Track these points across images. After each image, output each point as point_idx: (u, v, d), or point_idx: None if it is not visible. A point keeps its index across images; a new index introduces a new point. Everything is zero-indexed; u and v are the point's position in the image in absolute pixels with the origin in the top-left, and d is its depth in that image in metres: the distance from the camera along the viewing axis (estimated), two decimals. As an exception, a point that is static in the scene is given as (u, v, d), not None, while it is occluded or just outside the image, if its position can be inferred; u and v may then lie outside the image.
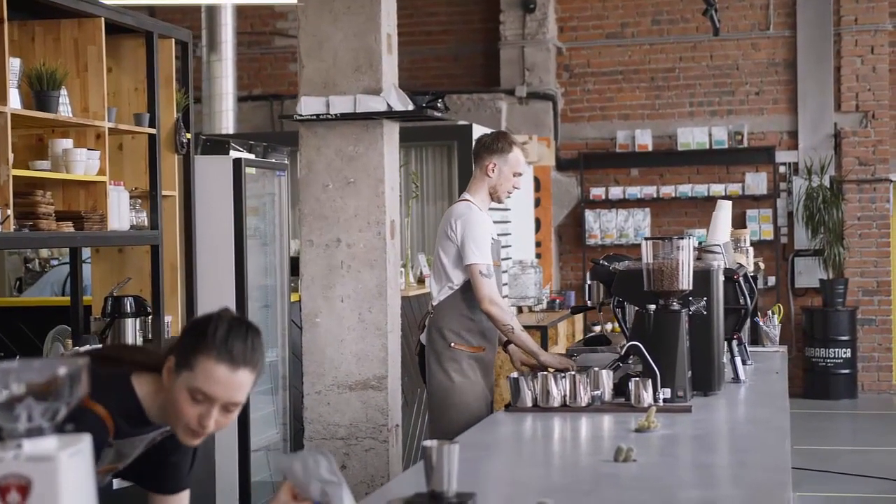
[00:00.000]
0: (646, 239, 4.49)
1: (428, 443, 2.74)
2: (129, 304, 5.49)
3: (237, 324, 2.63)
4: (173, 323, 5.95)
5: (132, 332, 5.48)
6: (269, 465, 6.87)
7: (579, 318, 11.38)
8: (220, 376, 2.55)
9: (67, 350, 5.45)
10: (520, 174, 5.41)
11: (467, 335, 5.26)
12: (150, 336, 5.66)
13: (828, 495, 8.20)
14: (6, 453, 1.72)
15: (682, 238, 4.45)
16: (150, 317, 5.65)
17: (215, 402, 2.56)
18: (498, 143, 5.38)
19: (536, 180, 12.50)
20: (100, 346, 5.12)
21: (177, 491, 2.93)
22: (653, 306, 4.43)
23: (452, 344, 5.25)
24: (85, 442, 1.79)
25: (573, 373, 4.36)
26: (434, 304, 5.36)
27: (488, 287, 5.12)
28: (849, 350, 12.33)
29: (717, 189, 12.67)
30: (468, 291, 5.21)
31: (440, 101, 6.18)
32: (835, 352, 12.30)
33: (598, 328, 12.28)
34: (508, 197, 5.50)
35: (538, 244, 12.53)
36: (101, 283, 5.81)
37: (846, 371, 12.34)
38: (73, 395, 1.77)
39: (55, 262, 9.05)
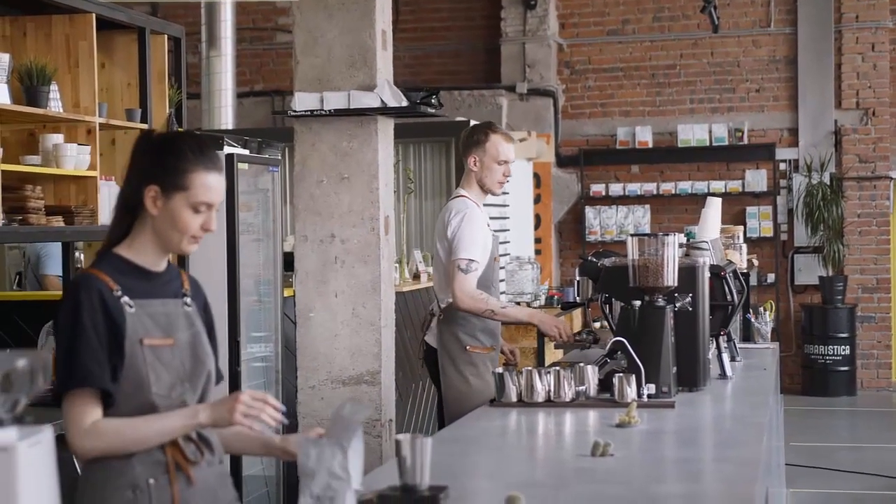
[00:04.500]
0: (631, 235, 4.51)
1: (400, 437, 2.77)
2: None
3: (192, 136, 2.91)
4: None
5: (123, 325, 5.49)
6: (261, 460, 6.89)
7: (578, 313, 11.39)
8: (214, 182, 2.83)
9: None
10: (504, 162, 5.33)
11: (481, 336, 5.25)
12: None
13: (823, 492, 8.21)
14: (-35, 444, 1.75)
15: (668, 235, 4.46)
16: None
17: (213, 207, 2.84)
18: (473, 135, 5.36)
19: (537, 177, 12.52)
20: None
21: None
22: (638, 302, 4.44)
23: (468, 347, 5.23)
24: (45, 433, 1.82)
25: (558, 368, 4.37)
26: (443, 305, 5.29)
27: (459, 283, 5.11)
28: (848, 347, 12.33)
29: (718, 186, 12.68)
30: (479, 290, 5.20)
31: (434, 97, 6.19)
32: (834, 349, 12.31)
33: (598, 324, 12.29)
34: (502, 186, 5.42)
35: (538, 240, 12.55)
36: (92, 277, 5.84)
37: (845, 368, 12.35)
38: (33, 386, 1.79)
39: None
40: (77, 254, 6.25)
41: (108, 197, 5.34)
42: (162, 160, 2.82)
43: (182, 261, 6.13)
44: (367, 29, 5.92)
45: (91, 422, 2.74)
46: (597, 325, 12.32)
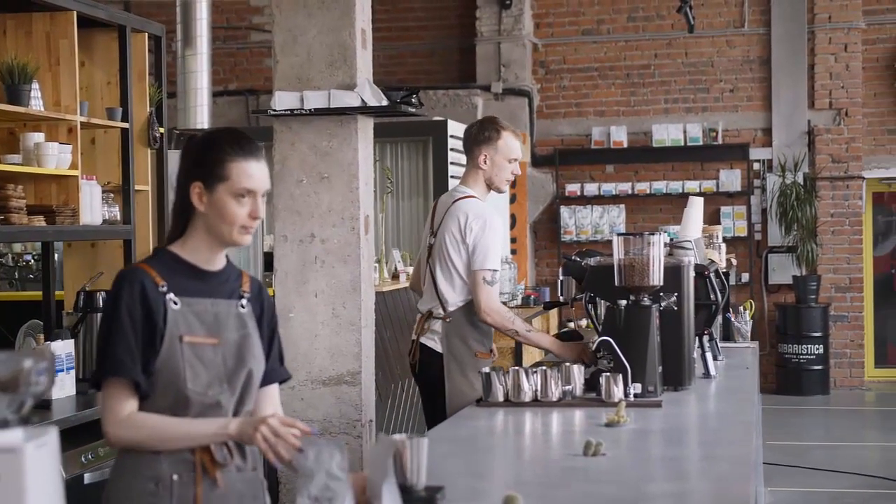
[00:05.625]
0: (617, 234, 4.50)
1: (397, 437, 2.76)
2: (101, 299, 5.46)
3: (230, 130, 3.01)
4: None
5: (104, 326, 5.45)
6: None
7: (554, 313, 11.42)
8: (253, 170, 2.89)
9: (39, 345, 5.43)
10: (514, 159, 5.12)
11: (485, 340, 5.10)
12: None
13: (799, 490, 8.25)
14: (-29, 446, 1.72)
15: (654, 234, 4.46)
16: (122, 311, 5.62)
17: (256, 194, 2.89)
18: (484, 132, 5.12)
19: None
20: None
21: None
22: (624, 302, 4.44)
23: (478, 353, 5.07)
24: (51, 434, 1.80)
25: (544, 368, 4.36)
26: (451, 308, 5.07)
27: (487, 295, 4.92)
28: (821, 346, 12.40)
29: (692, 186, 12.73)
30: None
31: (414, 96, 6.18)
32: (807, 348, 12.38)
33: (571, 324, 12.33)
34: (509, 184, 5.25)
35: (513, 240, 12.56)
36: (72, 277, 5.80)
37: (818, 367, 12.42)
38: (39, 387, 1.77)
39: (28, 258, 9.02)
40: (56, 256, 6.20)
41: (89, 196, 5.30)
42: (201, 157, 2.91)
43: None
44: (347, 28, 5.91)
45: (127, 413, 2.80)
46: (571, 324, 12.33)
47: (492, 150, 5.10)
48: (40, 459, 1.76)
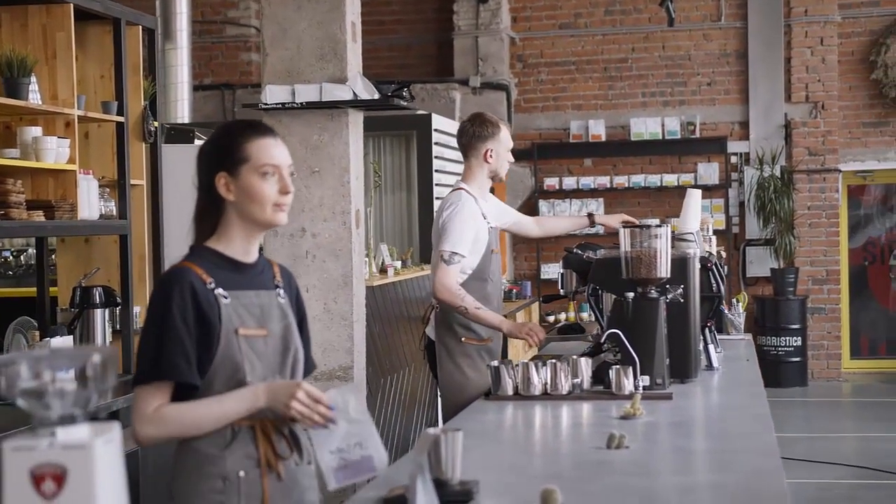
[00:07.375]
0: (624, 227, 4.50)
1: (432, 430, 2.74)
2: (97, 295, 5.41)
3: (237, 120, 3.05)
4: (142, 313, 5.88)
5: (101, 322, 5.41)
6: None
7: (535, 307, 11.43)
8: (271, 146, 2.89)
9: (32, 342, 5.37)
10: (510, 148, 5.43)
11: (477, 327, 5.18)
12: (118, 327, 5.59)
13: (787, 482, 8.27)
14: (40, 442, 1.70)
15: (661, 226, 4.46)
16: (118, 307, 5.57)
17: (281, 170, 2.87)
18: (487, 128, 5.32)
19: (490, 170, 12.49)
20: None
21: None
22: (631, 294, 4.44)
23: (463, 339, 5.18)
24: (115, 430, 1.77)
25: (554, 361, 4.35)
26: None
27: (441, 273, 5.05)
28: (799, 338, 12.47)
29: (670, 179, 12.76)
30: (474, 282, 5.15)
31: (405, 90, 6.16)
32: (785, 340, 12.44)
33: (551, 318, 12.33)
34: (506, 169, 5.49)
35: (492, 234, 12.54)
36: (66, 273, 5.73)
37: (797, 359, 12.49)
38: (105, 382, 1.75)
39: (7, 253, 8.93)
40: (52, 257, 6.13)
41: (86, 190, 5.23)
42: (219, 148, 2.90)
43: (157, 257, 6.05)
44: (337, 21, 5.89)
45: (153, 409, 2.76)
46: (550, 318, 12.31)
47: (496, 144, 5.33)
48: (107, 454, 1.74)
